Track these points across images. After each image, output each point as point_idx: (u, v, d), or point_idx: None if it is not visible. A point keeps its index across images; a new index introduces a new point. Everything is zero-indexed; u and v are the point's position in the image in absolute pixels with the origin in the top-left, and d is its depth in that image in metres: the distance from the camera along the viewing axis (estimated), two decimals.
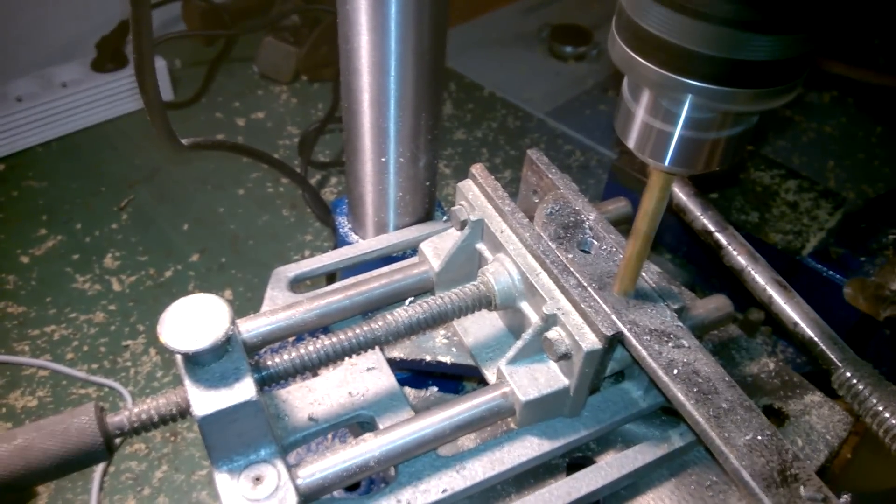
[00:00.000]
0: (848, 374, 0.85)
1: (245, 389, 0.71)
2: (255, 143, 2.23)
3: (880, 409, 0.81)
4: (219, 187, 2.12)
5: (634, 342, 0.77)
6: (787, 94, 0.60)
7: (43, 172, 2.13)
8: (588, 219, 0.89)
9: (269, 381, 0.78)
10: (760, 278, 0.95)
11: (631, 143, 0.67)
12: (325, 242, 1.97)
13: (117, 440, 0.74)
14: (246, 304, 1.80)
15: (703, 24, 0.55)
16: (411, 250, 1.08)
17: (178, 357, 0.72)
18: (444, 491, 0.76)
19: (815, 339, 0.89)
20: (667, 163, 0.65)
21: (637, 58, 0.60)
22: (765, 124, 2.45)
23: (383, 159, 1.05)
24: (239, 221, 2.03)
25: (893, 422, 0.80)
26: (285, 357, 0.79)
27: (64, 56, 2.31)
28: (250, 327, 0.83)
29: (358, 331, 0.81)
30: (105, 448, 0.72)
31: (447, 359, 0.95)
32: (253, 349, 0.84)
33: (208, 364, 0.72)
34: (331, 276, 1.12)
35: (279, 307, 0.86)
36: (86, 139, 2.25)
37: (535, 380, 0.79)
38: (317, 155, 2.21)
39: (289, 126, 2.34)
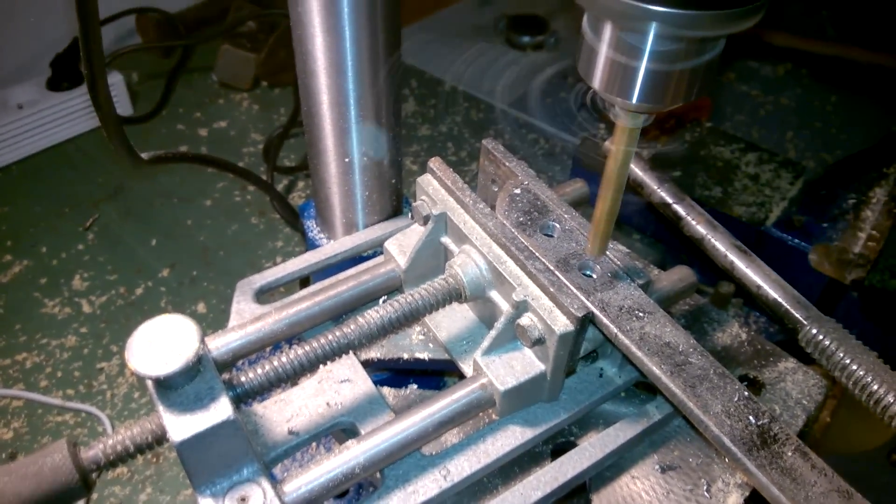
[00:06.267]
0: (814, 331, 0.85)
1: (221, 409, 0.69)
2: (219, 152, 2.21)
3: (847, 361, 0.82)
4: (185, 200, 2.10)
5: (605, 320, 0.77)
6: (751, 17, 0.58)
7: (4, 197, 2.09)
8: (548, 203, 0.89)
9: (244, 398, 0.77)
10: (721, 245, 0.96)
11: (595, 83, 0.65)
12: (296, 247, 1.96)
13: (94, 475, 0.71)
14: (220, 315, 1.79)
15: None
16: (380, 248, 1.07)
17: (150, 382, 0.70)
18: (432, 490, 0.76)
19: (780, 299, 0.89)
20: (634, 99, 0.64)
21: None
22: (723, 99, 2.49)
23: (347, 160, 1.05)
24: (208, 233, 2.01)
25: (861, 373, 0.81)
26: (259, 371, 0.77)
27: (18, 77, 2.26)
28: (219, 344, 0.81)
29: (331, 337, 0.80)
30: (82, 485, 0.69)
31: (424, 355, 0.95)
32: (224, 366, 0.82)
33: (181, 387, 0.70)
34: (304, 281, 1.11)
35: (247, 321, 0.84)
36: (46, 160, 2.21)
37: (512, 368, 0.79)
38: (282, 160, 2.19)
39: (252, 133, 2.32)
